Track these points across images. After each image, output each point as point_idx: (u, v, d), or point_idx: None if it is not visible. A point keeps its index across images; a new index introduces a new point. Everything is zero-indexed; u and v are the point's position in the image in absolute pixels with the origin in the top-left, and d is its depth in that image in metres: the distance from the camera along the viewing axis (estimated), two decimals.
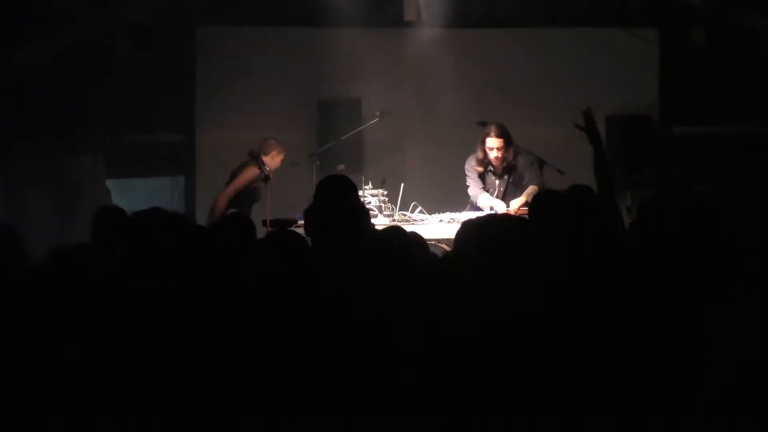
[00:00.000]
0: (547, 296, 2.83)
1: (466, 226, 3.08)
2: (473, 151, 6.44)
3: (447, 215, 6.28)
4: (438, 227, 6.10)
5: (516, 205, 6.22)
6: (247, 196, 6.68)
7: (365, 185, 6.33)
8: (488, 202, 6.24)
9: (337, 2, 7.50)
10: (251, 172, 6.55)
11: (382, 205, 6.26)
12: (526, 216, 3.98)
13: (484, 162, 6.35)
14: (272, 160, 6.60)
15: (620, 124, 7.61)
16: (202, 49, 7.86)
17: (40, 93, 7.29)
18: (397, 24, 7.89)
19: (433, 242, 5.47)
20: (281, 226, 5.89)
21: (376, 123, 7.06)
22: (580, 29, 8.00)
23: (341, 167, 7.06)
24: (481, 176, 6.41)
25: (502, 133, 6.25)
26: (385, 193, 6.33)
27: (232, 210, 6.26)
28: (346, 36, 7.68)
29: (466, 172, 6.43)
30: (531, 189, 6.21)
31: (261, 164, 6.42)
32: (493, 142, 6.23)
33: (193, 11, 7.73)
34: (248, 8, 7.74)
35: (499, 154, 6.25)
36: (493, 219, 3.59)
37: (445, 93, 7.72)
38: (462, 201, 6.65)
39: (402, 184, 6.33)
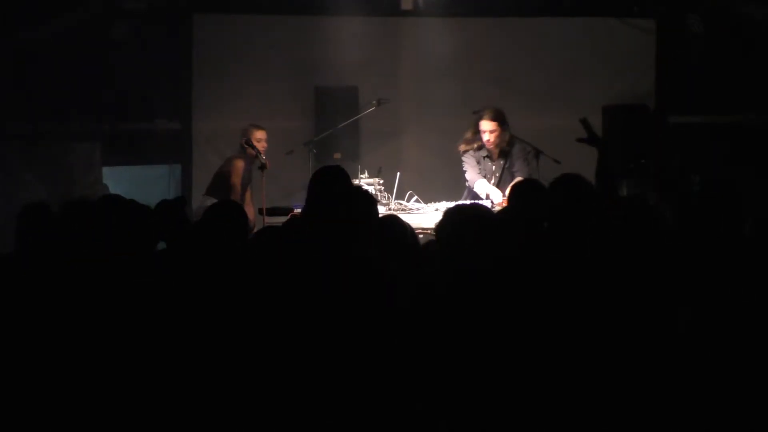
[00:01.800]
0: (511, 280, 2.87)
1: (445, 214, 3.14)
2: (461, 139, 6.46)
3: (443, 204, 6.28)
4: (433, 216, 6.10)
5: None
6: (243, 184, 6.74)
7: (361, 174, 6.33)
8: (485, 189, 6.23)
9: None
10: (239, 165, 6.61)
11: (378, 194, 6.25)
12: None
13: (472, 142, 6.33)
14: (259, 143, 6.62)
15: (616, 114, 7.61)
16: (199, 36, 7.84)
17: (35, 78, 7.27)
18: (394, 12, 7.89)
19: (428, 231, 5.47)
20: (278, 214, 5.91)
21: (373, 111, 7.05)
22: (577, 19, 8.01)
23: (337, 156, 7.07)
24: (478, 161, 6.40)
25: (496, 116, 6.23)
26: (381, 182, 6.34)
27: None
28: (343, 24, 7.68)
29: (462, 157, 6.43)
30: (516, 180, 6.19)
31: (257, 153, 6.46)
32: (486, 125, 6.22)
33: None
34: None
35: (492, 138, 6.23)
36: (469, 207, 3.61)
37: (441, 82, 7.73)
38: (458, 189, 6.66)
39: (398, 173, 6.33)
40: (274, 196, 6.59)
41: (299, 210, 5.40)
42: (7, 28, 7.05)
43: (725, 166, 7.32)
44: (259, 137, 6.69)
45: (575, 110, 7.50)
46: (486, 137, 6.24)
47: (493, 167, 6.41)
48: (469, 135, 6.34)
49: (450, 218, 3.07)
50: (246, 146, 6.58)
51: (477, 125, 6.28)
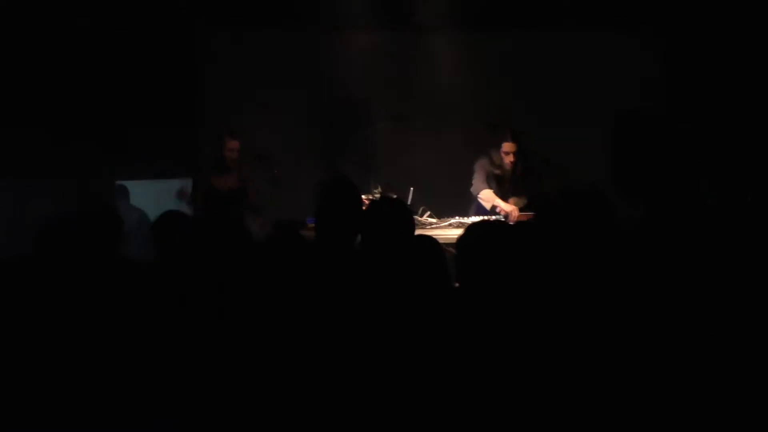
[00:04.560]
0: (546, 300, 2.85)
1: (469, 231, 3.09)
2: (482, 153, 6.58)
3: (456, 220, 6.27)
4: (447, 232, 6.08)
5: (516, 206, 6.36)
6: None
7: (374, 189, 6.31)
8: (491, 199, 6.33)
9: (346, 4, 7.49)
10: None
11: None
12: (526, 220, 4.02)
13: (500, 166, 6.50)
14: (232, 153, 6.63)
15: (629, 123, 7.62)
16: (211, 51, 7.84)
17: (49, 87, 7.29)
18: (407, 26, 7.88)
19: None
20: (290, 228, 5.88)
21: (385, 125, 7.06)
22: (588, 30, 7.96)
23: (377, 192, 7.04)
24: (489, 177, 6.47)
25: (516, 137, 6.45)
26: (395, 197, 6.30)
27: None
28: (355, 38, 7.67)
29: (475, 170, 6.52)
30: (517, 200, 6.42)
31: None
32: (509, 147, 6.42)
33: (201, 12, 7.72)
34: (256, 10, 7.71)
35: (513, 158, 6.42)
36: (497, 225, 3.58)
37: (454, 95, 7.72)
38: (470, 204, 6.68)
39: (411, 189, 6.30)
40: (287, 210, 6.56)
41: (312, 224, 5.42)
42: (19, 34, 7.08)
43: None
44: (232, 147, 6.67)
45: (589, 120, 7.64)
46: (509, 158, 6.45)
47: (504, 180, 6.54)
48: (497, 159, 6.51)
49: (474, 233, 3.04)
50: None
51: (499, 147, 6.47)
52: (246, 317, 2.87)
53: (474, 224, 3.11)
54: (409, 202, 6.28)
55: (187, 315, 2.94)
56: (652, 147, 7.64)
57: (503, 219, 6.16)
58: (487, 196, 6.42)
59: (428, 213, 6.36)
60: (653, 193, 7.14)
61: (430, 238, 3.13)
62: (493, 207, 6.37)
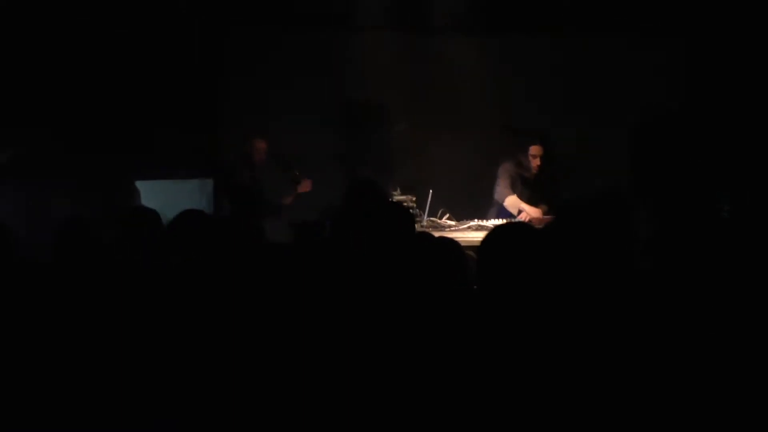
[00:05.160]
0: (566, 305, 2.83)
1: (493, 233, 3.07)
2: (507, 157, 6.69)
3: (475, 222, 6.27)
4: (466, 234, 6.07)
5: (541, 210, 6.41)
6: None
7: (393, 191, 6.30)
8: (516, 204, 6.35)
9: (365, 5, 7.49)
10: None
11: (411, 210, 6.23)
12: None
13: (528, 168, 6.59)
14: (259, 153, 6.78)
15: (646, 130, 7.59)
16: (230, 50, 7.84)
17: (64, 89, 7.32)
18: (426, 28, 7.86)
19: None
20: (306, 229, 5.87)
21: (405, 127, 7.06)
22: (608, 35, 7.93)
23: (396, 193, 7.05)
24: (515, 180, 6.50)
25: (544, 140, 6.63)
26: (414, 198, 6.30)
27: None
28: (374, 39, 7.66)
29: (499, 175, 6.55)
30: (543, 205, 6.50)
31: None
32: (536, 150, 6.57)
33: (221, 12, 7.73)
34: (275, 10, 7.71)
35: (540, 162, 6.56)
36: (520, 228, 3.56)
37: (473, 98, 7.71)
38: (488, 207, 6.68)
39: (431, 191, 6.29)
40: (301, 211, 6.56)
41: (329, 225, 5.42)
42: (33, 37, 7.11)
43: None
44: (259, 148, 6.72)
45: (608, 124, 7.61)
46: (537, 161, 6.58)
47: (530, 183, 6.61)
48: (525, 162, 6.64)
49: (497, 236, 3.01)
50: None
51: (527, 150, 6.62)
52: (264, 318, 2.87)
53: (498, 227, 3.08)
54: (428, 205, 6.27)
55: (200, 315, 2.94)
56: (670, 153, 7.60)
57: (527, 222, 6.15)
58: (512, 202, 6.50)
59: (447, 215, 6.34)
60: (668, 202, 7.09)
61: (452, 240, 3.11)
62: (519, 212, 6.39)
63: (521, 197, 6.48)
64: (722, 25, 7.62)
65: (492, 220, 6.33)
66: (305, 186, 6.68)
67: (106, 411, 2.74)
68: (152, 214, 3.96)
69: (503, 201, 6.49)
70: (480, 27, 7.71)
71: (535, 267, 2.90)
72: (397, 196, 6.26)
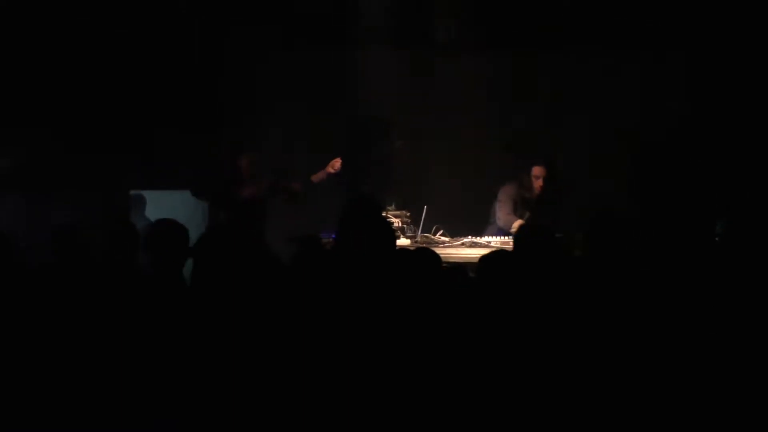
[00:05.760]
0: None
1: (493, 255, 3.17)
2: (508, 179, 6.69)
3: (468, 239, 6.30)
4: (459, 251, 6.12)
5: None
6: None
7: (389, 206, 6.35)
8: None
9: (367, 22, 7.54)
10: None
11: (405, 226, 6.29)
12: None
13: (530, 189, 6.58)
14: (249, 166, 6.76)
15: (651, 145, 7.63)
16: (232, 65, 7.89)
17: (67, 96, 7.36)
18: (427, 45, 7.89)
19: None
20: (305, 243, 5.91)
21: (404, 144, 7.11)
22: (611, 51, 7.94)
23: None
24: (517, 202, 6.56)
25: (547, 162, 6.60)
26: (408, 214, 6.36)
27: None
28: (375, 56, 7.70)
29: (500, 199, 6.57)
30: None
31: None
32: (539, 171, 6.55)
33: (224, 29, 7.79)
34: (278, 28, 7.76)
35: (542, 183, 6.54)
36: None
37: (473, 115, 7.74)
38: (485, 225, 6.72)
39: (425, 207, 6.34)
40: (302, 225, 6.59)
41: (326, 239, 5.49)
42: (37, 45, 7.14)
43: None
44: (248, 161, 6.75)
45: (613, 142, 7.62)
46: (539, 183, 6.56)
47: (530, 205, 6.62)
48: (527, 183, 6.61)
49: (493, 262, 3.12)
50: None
51: (530, 171, 6.60)
52: (268, 327, 2.92)
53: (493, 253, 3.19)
54: (422, 221, 6.32)
55: (202, 324, 2.98)
56: (672, 172, 7.61)
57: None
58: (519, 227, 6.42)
59: (441, 231, 6.38)
60: (669, 221, 7.11)
61: (428, 250, 3.20)
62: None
63: (522, 218, 6.47)
64: (723, 37, 7.61)
65: (486, 237, 6.36)
66: (334, 164, 6.67)
67: (106, 411, 2.78)
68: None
69: (508, 227, 6.43)
70: (480, 45, 7.74)
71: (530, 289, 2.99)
72: (392, 212, 6.30)
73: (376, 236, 3.36)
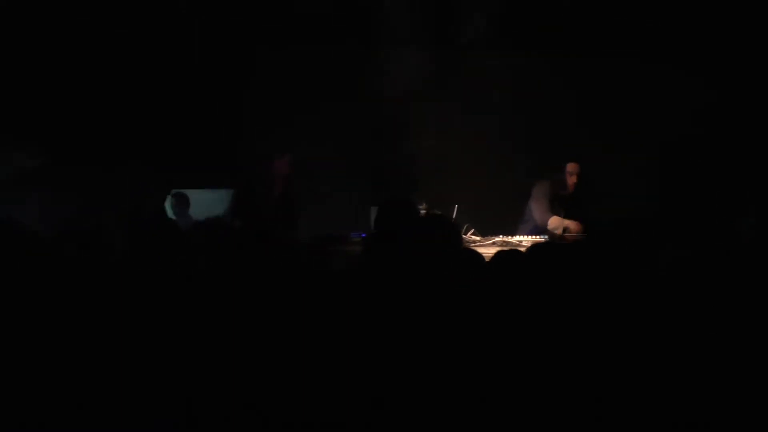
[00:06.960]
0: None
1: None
2: (541, 178, 6.75)
3: (500, 238, 6.24)
4: (491, 250, 6.03)
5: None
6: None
7: (419, 206, 6.28)
8: (561, 225, 6.51)
9: (390, 22, 7.50)
10: None
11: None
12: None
13: (565, 186, 6.67)
14: (281, 167, 6.76)
15: (671, 153, 7.56)
16: (257, 65, 7.87)
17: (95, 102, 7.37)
18: (452, 45, 7.86)
19: None
20: (334, 243, 5.87)
21: (431, 143, 7.07)
22: (633, 60, 7.89)
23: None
24: (553, 200, 6.65)
25: (577, 158, 6.73)
26: (439, 213, 6.28)
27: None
28: (400, 56, 7.66)
29: (534, 196, 6.66)
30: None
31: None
32: (573, 167, 6.67)
33: (246, 30, 7.78)
34: (299, 28, 7.74)
35: (576, 179, 6.65)
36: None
37: (500, 115, 7.71)
38: (516, 224, 6.65)
39: (456, 206, 6.28)
40: (330, 225, 6.55)
41: (355, 238, 5.44)
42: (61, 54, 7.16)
43: None
44: (282, 162, 6.74)
45: (636, 147, 7.58)
46: (573, 179, 6.66)
47: (565, 201, 6.69)
48: (563, 180, 6.70)
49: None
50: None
51: (564, 169, 6.71)
52: (290, 329, 2.86)
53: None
54: (453, 220, 6.25)
55: (210, 320, 2.94)
56: (696, 178, 7.60)
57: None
58: (556, 223, 6.54)
59: (472, 231, 6.32)
60: (694, 227, 7.04)
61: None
62: (564, 230, 6.47)
63: (559, 215, 6.54)
64: (746, 49, 7.60)
65: (517, 236, 6.30)
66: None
67: (105, 411, 2.74)
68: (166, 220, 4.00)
69: (545, 224, 6.54)
70: (507, 44, 7.72)
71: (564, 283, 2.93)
72: (423, 211, 6.24)
73: (446, 237, 3.32)
